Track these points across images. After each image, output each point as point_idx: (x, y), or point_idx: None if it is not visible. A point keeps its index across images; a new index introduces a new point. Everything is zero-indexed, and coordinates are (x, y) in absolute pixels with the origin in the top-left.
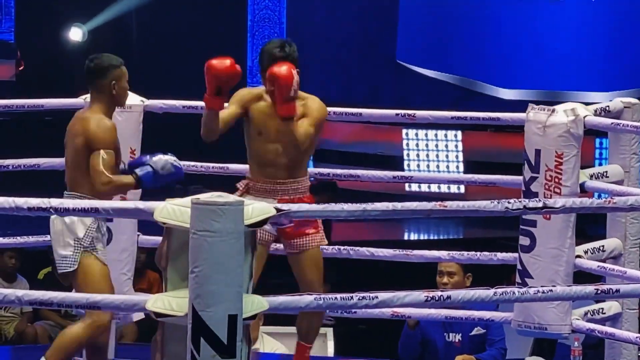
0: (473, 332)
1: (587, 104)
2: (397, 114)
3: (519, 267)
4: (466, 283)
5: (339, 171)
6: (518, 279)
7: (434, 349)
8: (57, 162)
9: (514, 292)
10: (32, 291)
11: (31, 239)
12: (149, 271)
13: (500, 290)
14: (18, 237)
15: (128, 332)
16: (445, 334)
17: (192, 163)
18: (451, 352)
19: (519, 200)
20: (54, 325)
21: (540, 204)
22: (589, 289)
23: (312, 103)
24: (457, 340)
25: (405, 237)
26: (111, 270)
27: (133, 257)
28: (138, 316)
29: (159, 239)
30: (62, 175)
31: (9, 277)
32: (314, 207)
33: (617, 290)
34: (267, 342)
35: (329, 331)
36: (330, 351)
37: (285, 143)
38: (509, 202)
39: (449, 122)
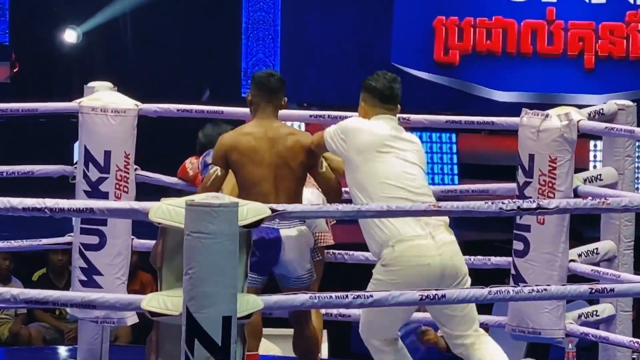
0: None
1: (582, 106)
2: None
3: (512, 272)
4: None
5: None
6: (512, 284)
7: None
8: (52, 168)
9: (508, 291)
10: (28, 290)
11: (26, 242)
12: (141, 272)
13: (494, 289)
14: (13, 242)
15: (122, 334)
16: None
17: None
18: None
19: (513, 201)
20: (48, 327)
21: (534, 205)
22: (584, 288)
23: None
24: None
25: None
26: (105, 274)
27: (127, 261)
28: (132, 320)
29: (153, 242)
30: (55, 180)
31: (3, 279)
32: (309, 207)
33: (612, 290)
34: (262, 343)
35: (323, 333)
36: (325, 352)
37: None
38: (503, 203)
39: (443, 126)
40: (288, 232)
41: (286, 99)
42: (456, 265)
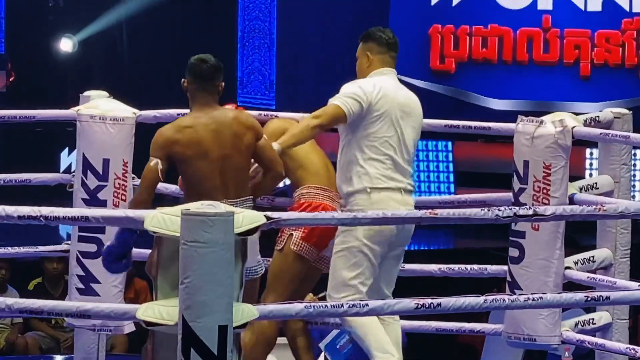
0: None
1: (578, 114)
2: None
3: (508, 278)
4: None
5: None
6: (508, 291)
7: None
8: (49, 177)
9: (504, 300)
10: (22, 300)
11: (22, 249)
12: (136, 279)
13: (490, 298)
14: (9, 248)
15: (119, 342)
16: None
17: None
18: None
19: (509, 207)
20: (45, 335)
21: (530, 212)
22: (579, 296)
23: None
24: None
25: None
26: (102, 282)
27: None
28: (129, 328)
29: (149, 251)
30: (52, 189)
31: None
32: (304, 215)
33: (608, 297)
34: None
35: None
36: None
37: None
38: (499, 210)
39: (441, 130)
40: None
41: (223, 84)
42: (410, 232)
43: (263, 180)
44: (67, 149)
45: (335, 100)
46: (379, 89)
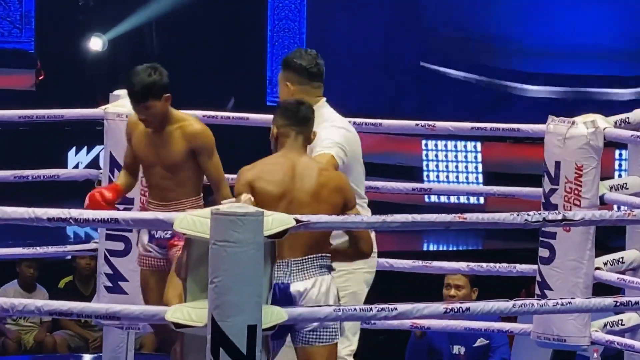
0: (476, 344)
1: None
2: (417, 125)
3: (538, 278)
4: (472, 296)
5: None
6: (537, 291)
7: (440, 359)
8: (76, 172)
9: (533, 304)
10: (52, 301)
11: (51, 249)
12: None
13: (519, 302)
14: (38, 248)
15: (147, 342)
16: (450, 345)
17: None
18: None
19: (539, 212)
20: (73, 334)
21: (559, 217)
22: (608, 301)
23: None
24: (461, 353)
25: (424, 248)
26: (130, 281)
27: None
28: None
29: None
30: (76, 184)
31: (28, 287)
32: (334, 218)
33: (637, 302)
34: (284, 352)
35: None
36: None
37: None
38: (528, 215)
39: (468, 133)
40: (302, 285)
41: (315, 131)
42: None
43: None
44: (74, 148)
45: (330, 149)
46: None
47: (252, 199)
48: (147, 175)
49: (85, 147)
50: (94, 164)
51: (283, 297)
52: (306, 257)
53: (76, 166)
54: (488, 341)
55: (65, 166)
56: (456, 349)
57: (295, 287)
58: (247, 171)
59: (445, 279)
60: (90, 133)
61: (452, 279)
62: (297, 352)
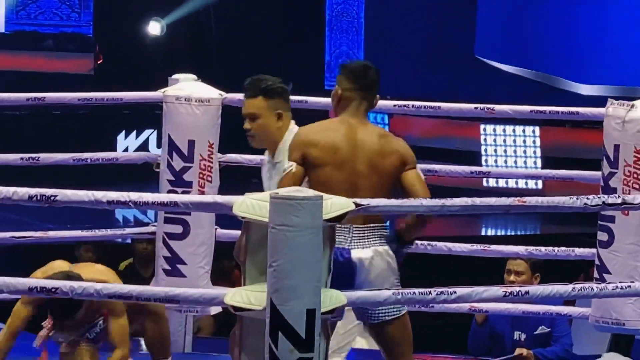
0: (538, 331)
1: None
2: (475, 108)
3: (597, 262)
4: (534, 283)
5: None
6: (596, 275)
7: (502, 344)
8: (135, 155)
9: (592, 288)
10: (111, 284)
11: (110, 232)
12: (237, 272)
13: (578, 286)
14: (97, 231)
15: (205, 325)
16: (512, 331)
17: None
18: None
19: (598, 196)
20: None
21: (619, 200)
22: None
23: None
24: (522, 339)
25: (482, 233)
26: (189, 263)
27: (211, 251)
28: (215, 309)
29: (237, 232)
30: (136, 167)
31: None
32: (393, 202)
33: None
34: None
35: None
36: None
37: None
38: (587, 199)
39: (528, 116)
40: (362, 253)
41: (378, 96)
42: None
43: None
44: (123, 132)
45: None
46: None
47: (294, 169)
48: None
49: (135, 131)
50: (143, 147)
51: (344, 262)
52: (368, 226)
53: (125, 150)
54: (550, 329)
55: (115, 150)
56: (517, 334)
57: (357, 254)
58: (304, 135)
59: (507, 265)
60: (139, 117)
61: (513, 265)
62: (371, 330)
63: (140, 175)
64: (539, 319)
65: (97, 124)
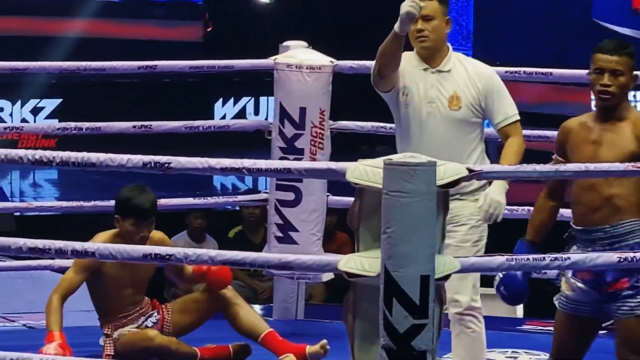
0: None
1: None
2: (587, 74)
3: None
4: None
5: (528, 132)
6: None
7: None
8: (248, 123)
9: None
10: (225, 251)
11: (221, 199)
12: (338, 232)
13: None
14: (209, 198)
15: (317, 292)
16: None
17: (381, 124)
18: None
19: None
20: (244, 285)
21: None
22: None
23: None
24: None
25: None
26: (301, 230)
27: (323, 218)
28: (327, 276)
29: (348, 199)
30: (230, 135)
31: (197, 238)
32: (507, 167)
33: None
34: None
35: None
36: (520, 312)
37: None
38: None
39: None
40: None
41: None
42: None
43: None
44: (221, 99)
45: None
46: None
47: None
48: None
49: (232, 99)
50: (240, 115)
51: None
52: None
53: (223, 117)
54: None
55: (212, 118)
56: None
57: None
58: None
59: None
60: (236, 85)
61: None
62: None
63: (235, 143)
64: None
65: (194, 92)
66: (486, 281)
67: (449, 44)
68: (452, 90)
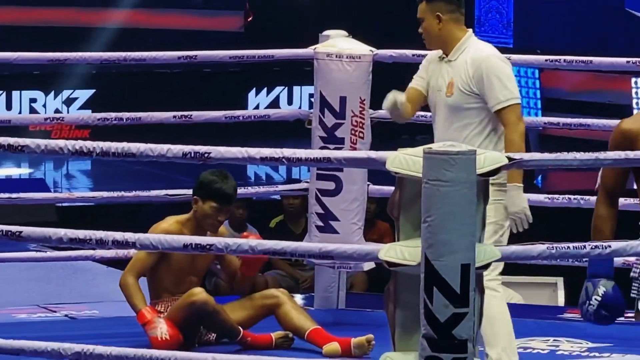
0: None
1: None
2: (627, 62)
3: None
4: None
5: (568, 120)
6: None
7: None
8: (287, 112)
9: None
10: (265, 241)
11: (262, 189)
12: (379, 221)
13: None
14: (249, 188)
15: (358, 281)
16: None
17: (421, 113)
18: None
19: None
20: (285, 275)
21: None
22: None
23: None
24: None
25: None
26: (342, 220)
27: (363, 207)
28: (368, 265)
29: (389, 188)
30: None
31: (239, 227)
32: (546, 155)
33: None
34: (503, 291)
35: (560, 281)
36: (561, 300)
37: None
38: None
39: None
40: None
41: None
42: None
43: None
44: (254, 89)
45: (516, 99)
46: None
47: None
48: None
49: (265, 89)
50: (274, 105)
51: None
52: None
53: (256, 107)
54: None
55: (245, 108)
56: None
57: None
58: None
59: None
60: (269, 75)
61: None
62: None
63: (267, 132)
64: None
65: (227, 82)
66: (525, 269)
67: (464, 32)
68: (450, 77)
